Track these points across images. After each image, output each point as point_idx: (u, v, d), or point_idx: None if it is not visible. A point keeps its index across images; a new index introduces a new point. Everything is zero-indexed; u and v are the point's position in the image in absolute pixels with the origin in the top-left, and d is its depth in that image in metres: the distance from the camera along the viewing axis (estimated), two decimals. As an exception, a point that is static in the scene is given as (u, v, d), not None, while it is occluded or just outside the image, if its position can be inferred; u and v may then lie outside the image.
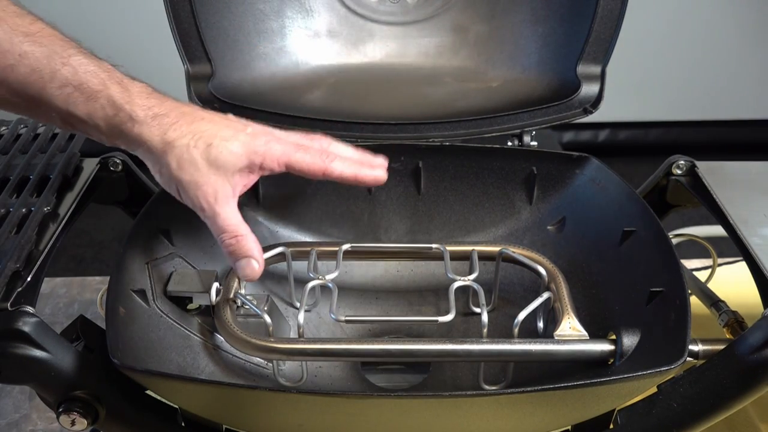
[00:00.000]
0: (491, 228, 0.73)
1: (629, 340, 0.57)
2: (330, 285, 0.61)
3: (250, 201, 0.72)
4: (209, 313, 0.63)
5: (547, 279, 0.63)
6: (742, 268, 0.61)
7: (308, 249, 0.66)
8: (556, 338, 0.58)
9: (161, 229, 0.65)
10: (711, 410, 0.55)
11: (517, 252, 0.66)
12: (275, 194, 0.73)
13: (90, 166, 0.71)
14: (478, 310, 0.65)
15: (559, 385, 0.51)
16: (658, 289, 0.58)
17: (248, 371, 0.63)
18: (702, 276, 0.74)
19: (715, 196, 0.66)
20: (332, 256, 0.66)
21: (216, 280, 0.63)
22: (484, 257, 0.67)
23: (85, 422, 0.55)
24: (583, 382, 0.51)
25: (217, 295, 0.62)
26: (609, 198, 0.68)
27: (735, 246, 0.62)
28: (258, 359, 0.63)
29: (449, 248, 0.65)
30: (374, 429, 0.57)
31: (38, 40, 0.53)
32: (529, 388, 0.51)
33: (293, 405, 0.54)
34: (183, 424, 0.59)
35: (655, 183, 0.72)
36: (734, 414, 0.56)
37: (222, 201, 0.57)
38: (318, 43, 0.81)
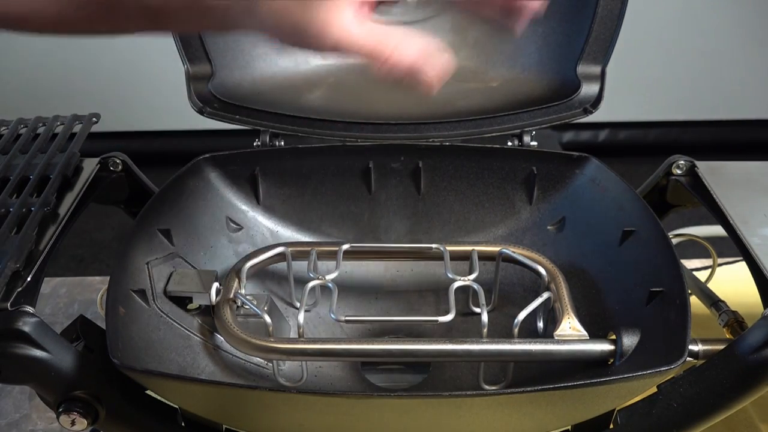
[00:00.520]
0: (491, 228, 0.73)
1: (629, 340, 0.57)
2: (330, 285, 0.61)
3: (250, 201, 0.72)
4: (209, 313, 0.63)
5: (547, 279, 0.63)
6: (742, 268, 0.61)
7: (308, 249, 0.66)
8: (556, 338, 0.58)
9: (161, 229, 0.65)
10: (711, 410, 0.55)
11: (517, 252, 0.66)
12: (275, 194, 0.73)
13: (90, 166, 0.71)
14: (478, 310, 0.65)
15: (559, 385, 0.51)
16: (658, 289, 0.58)
17: (248, 371, 0.63)
18: (702, 276, 0.74)
19: (715, 196, 0.66)
20: (332, 256, 0.66)
21: (216, 280, 0.63)
22: (484, 257, 0.67)
23: (85, 422, 0.55)
24: (583, 382, 0.51)
25: (217, 295, 0.62)
26: (609, 198, 0.68)
27: (735, 246, 0.62)
28: (258, 359, 0.63)
29: (449, 248, 0.65)
30: (374, 429, 0.57)
31: None
32: (529, 388, 0.51)
33: (293, 405, 0.54)
34: (183, 424, 0.59)
35: (655, 183, 0.72)
36: (734, 414, 0.56)
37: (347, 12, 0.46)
38: (318, 43, 0.81)
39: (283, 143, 0.76)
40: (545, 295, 0.61)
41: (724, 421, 0.56)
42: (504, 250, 0.66)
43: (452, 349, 0.56)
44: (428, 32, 0.81)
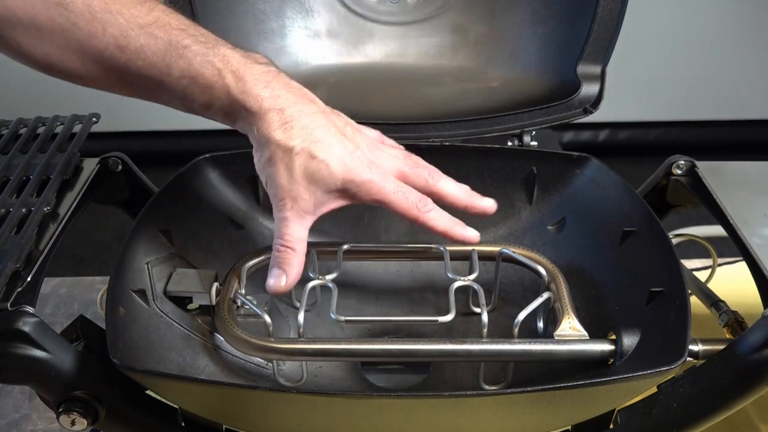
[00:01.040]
0: (491, 228, 0.73)
1: (629, 340, 0.57)
2: (330, 285, 0.61)
3: (250, 201, 0.72)
4: (209, 313, 0.63)
5: (547, 279, 0.63)
6: (742, 268, 0.61)
7: (308, 249, 0.66)
8: (556, 338, 0.58)
9: (161, 229, 0.65)
10: (711, 410, 0.55)
11: (517, 252, 0.66)
12: (275, 194, 0.73)
13: (90, 166, 0.71)
14: (478, 310, 0.65)
15: (559, 385, 0.51)
16: (658, 289, 0.58)
17: (248, 371, 0.63)
18: (702, 276, 0.74)
19: (715, 196, 0.66)
20: (332, 256, 0.66)
21: (216, 280, 0.63)
22: (484, 257, 0.67)
23: (85, 422, 0.55)
24: (583, 382, 0.51)
25: (217, 295, 0.62)
26: (609, 198, 0.68)
27: (735, 246, 0.62)
28: (258, 359, 0.63)
29: (449, 248, 0.65)
30: (374, 429, 0.57)
31: (153, 31, 0.53)
32: (529, 388, 0.51)
33: (293, 405, 0.54)
34: (183, 424, 0.59)
35: (655, 183, 0.72)
36: (734, 414, 0.56)
37: (298, 213, 0.57)
38: (318, 43, 0.81)
39: (283, 143, 0.75)
40: (545, 295, 0.61)
41: (724, 421, 0.56)
42: (504, 250, 0.66)
43: (452, 349, 0.56)
44: (428, 32, 0.81)
